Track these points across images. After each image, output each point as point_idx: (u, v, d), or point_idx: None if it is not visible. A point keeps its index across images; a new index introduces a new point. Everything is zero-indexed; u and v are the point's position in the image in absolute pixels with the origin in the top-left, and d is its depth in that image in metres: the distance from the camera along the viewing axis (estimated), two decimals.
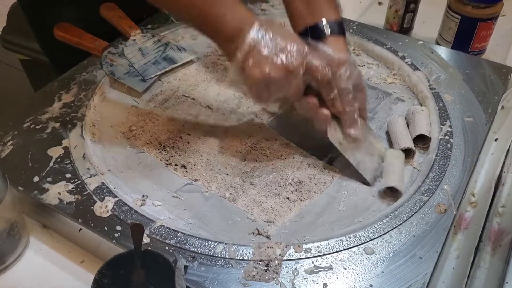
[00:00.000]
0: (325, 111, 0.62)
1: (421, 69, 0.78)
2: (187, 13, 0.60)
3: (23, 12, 0.90)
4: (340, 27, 0.67)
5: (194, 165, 0.66)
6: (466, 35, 0.87)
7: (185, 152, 0.67)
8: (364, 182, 0.63)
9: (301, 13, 0.68)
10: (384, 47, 0.83)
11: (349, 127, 0.63)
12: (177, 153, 0.67)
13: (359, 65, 0.82)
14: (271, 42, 0.57)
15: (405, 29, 0.95)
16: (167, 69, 0.79)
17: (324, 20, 0.66)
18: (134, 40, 0.82)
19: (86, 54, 0.81)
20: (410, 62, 0.80)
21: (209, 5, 0.57)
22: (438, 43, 0.92)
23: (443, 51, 0.82)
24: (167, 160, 0.66)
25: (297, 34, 0.64)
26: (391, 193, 0.61)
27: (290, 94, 0.60)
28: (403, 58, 0.81)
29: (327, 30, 0.66)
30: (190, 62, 0.82)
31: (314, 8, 0.67)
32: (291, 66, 0.57)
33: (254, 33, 0.57)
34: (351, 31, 0.87)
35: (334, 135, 0.63)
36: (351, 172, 0.64)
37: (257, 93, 0.60)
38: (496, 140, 0.72)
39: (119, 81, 0.76)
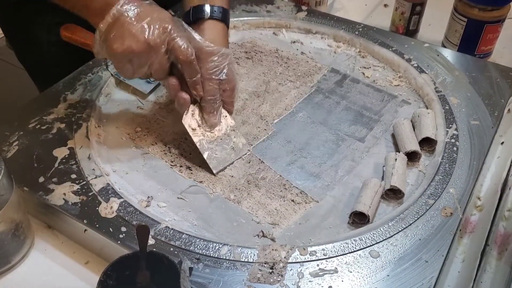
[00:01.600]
0: (184, 95, 0.63)
1: (427, 72, 0.78)
2: None
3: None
4: (223, 14, 0.70)
5: (199, 166, 0.65)
6: (472, 37, 0.86)
7: (190, 154, 0.67)
8: (209, 170, 0.64)
9: None
10: (390, 49, 0.83)
11: (207, 114, 0.65)
12: (182, 154, 0.67)
13: (364, 67, 0.82)
14: (135, 17, 0.58)
15: (411, 32, 0.95)
16: None
17: (206, 4, 0.69)
18: None
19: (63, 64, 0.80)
20: (416, 65, 0.80)
21: None
22: (444, 46, 0.91)
23: (449, 54, 0.82)
24: (172, 162, 0.66)
25: (183, 16, 0.69)
26: (394, 195, 0.61)
27: (153, 71, 0.61)
28: (409, 60, 0.81)
29: (207, 11, 0.68)
30: None
31: None
32: (152, 42, 0.58)
33: (119, 6, 0.58)
34: (357, 33, 0.87)
35: (188, 119, 0.64)
36: (201, 159, 0.65)
37: (120, 66, 0.61)
38: (502, 143, 0.72)
39: (124, 82, 0.76)
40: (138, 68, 0.60)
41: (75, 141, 0.66)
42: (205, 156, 0.64)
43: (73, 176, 0.61)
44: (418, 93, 0.77)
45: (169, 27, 0.59)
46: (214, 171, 0.64)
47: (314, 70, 0.82)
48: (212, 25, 0.69)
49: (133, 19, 0.58)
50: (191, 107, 0.65)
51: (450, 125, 0.69)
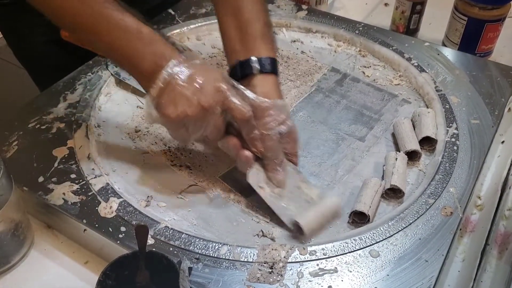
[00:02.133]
0: (246, 153, 0.60)
1: (427, 71, 0.78)
2: (103, 50, 0.59)
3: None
4: (272, 65, 0.64)
5: (199, 166, 0.65)
6: (473, 36, 0.86)
7: (190, 153, 0.67)
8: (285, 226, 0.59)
9: (235, 49, 0.65)
10: (390, 48, 0.83)
11: (271, 171, 0.60)
12: (182, 154, 0.67)
13: (364, 66, 0.82)
14: (187, 79, 0.55)
15: (411, 31, 0.94)
16: None
17: (253, 57, 0.63)
18: None
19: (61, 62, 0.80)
20: (416, 64, 0.79)
21: (125, 40, 0.56)
22: (444, 45, 0.91)
23: (450, 53, 0.82)
24: (172, 161, 0.66)
25: (229, 71, 0.64)
26: (395, 195, 0.61)
27: (209, 133, 0.58)
28: (409, 59, 0.80)
29: (257, 67, 0.63)
30: None
31: (247, 44, 0.64)
32: (206, 104, 0.55)
33: (170, 69, 0.55)
34: (357, 32, 0.86)
35: (254, 177, 0.60)
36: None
37: (175, 132, 0.59)
38: (502, 142, 0.72)
39: (124, 81, 0.76)
40: (194, 132, 0.58)
41: (74, 141, 0.66)
42: (279, 215, 0.58)
43: (73, 176, 0.61)
44: (418, 92, 0.77)
45: (222, 86, 0.56)
46: (291, 227, 0.58)
47: (314, 69, 0.82)
48: (263, 79, 0.63)
49: (185, 81, 0.55)
50: (255, 164, 0.61)
51: (451, 124, 0.69)
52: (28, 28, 0.86)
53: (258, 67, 0.63)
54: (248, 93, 0.59)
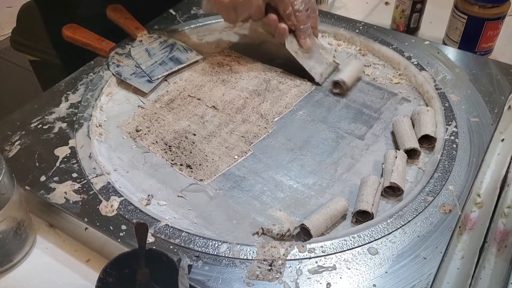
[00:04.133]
0: (283, 25, 0.76)
1: (427, 69, 0.78)
2: None
3: (39, 10, 0.92)
4: None
5: (199, 165, 0.66)
6: (473, 35, 0.86)
7: (191, 152, 0.68)
8: (314, 82, 0.79)
9: None
10: (390, 47, 0.83)
11: (303, 39, 0.78)
12: (182, 153, 0.68)
13: (365, 65, 0.82)
14: None
15: (411, 29, 0.95)
16: (173, 70, 0.80)
17: None
18: (141, 41, 0.82)
19: (95, 54, 0.81)
20: (416, 62, 0.80)
21: None
22: (444, 43, 0.91)
23: (450, 51, 0.82)
24: (172, 160, 0.66)
25: None
26: (394, 192, 0.61)
27: (253, 13, 0.75)
28: (409, 58, 0.81)
29: None
30: (196, 62, 0.83)
31: None
32: None
33: None
34: (357, 31, 0.87)
35: (290, 45, 0.78)
36: (304, 75, 0.79)
37: (227, 15, 0.76)
38: (502, 140, 0.72)
39: (125, 81, 0.77)
40: (241, 13, 0.75)
41: (76, 140, 0.66)
42: (311, 73, 0.79)
43: (74, 175, 0.62)
44: (418, 90, 0.77)
45: None
46: (320, 83, 0.79)
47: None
48: None
49: None
50: (289, 36, 0.78)
51: (450, 123, 0.69)
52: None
53: None
54: None
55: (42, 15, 0.96)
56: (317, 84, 0.79)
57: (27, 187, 0.60)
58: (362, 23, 0.88)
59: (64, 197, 0.59)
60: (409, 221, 0.57)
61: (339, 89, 0.77)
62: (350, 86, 0.77)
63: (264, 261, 0.53)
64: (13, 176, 0.54)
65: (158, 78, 0.78)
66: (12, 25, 1.53)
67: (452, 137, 0.67)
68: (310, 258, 0.53)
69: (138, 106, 0.75)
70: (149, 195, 0.62)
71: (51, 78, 1.03)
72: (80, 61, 0.79)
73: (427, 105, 0.74)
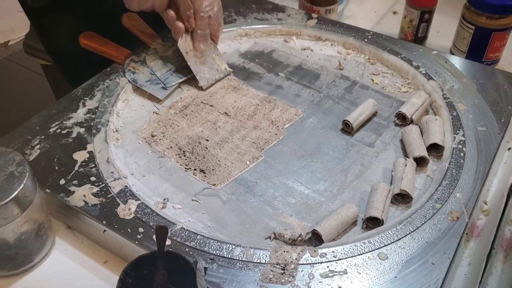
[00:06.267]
0: (180, 24, 0.77)
1: (435, 79, 0.80)
2: None
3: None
4: None
5: (212, 169, 0.68)
6: (480, 45, 0.88)
7: (204, 157, 0.69)
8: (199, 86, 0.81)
9: None
10: (399, 56, 0.85)
11: (197, 42, 0.79)
12: (196, 158, 0.69)
13: (373, 74, 0.84)
14: None
15: (419, 39, 0.96)
16: (187, 78, 0.82)
17: None
18: (155, 49, 0.84)
19: (92, 60, 0.83)
20: (424, 72, 0.81)
21: None
22: (452, 53, 0.93)
23: (457, 61, 0.84)
24: (186, 165, 0.68)
25: None
26: (403, 199, 0.63)
27: (156, 4, 0.75)
28: (417, 67, 0.82)
29: None
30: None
31: None
32: None
33: None
34: (366, 40, 0.88)
35: (184, 44, 0.79)
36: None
37: (130, 1, 0.75)
38: (509, 149, 0.73)
39: (141, 88, 0.79)
40: (144, 1, 0.74)
41: (94, 145, 0.68)
42: (197, 76, 0.80)
43: (93, 178, 0.64)
44: None
45: None
46: (204, 87, 0.80)
47: (323, 77, 0.84)
48: None
49: None
50: (185, 35, 0.78)
51: (458, 131, 0.70)
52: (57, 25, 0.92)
53: None
54: None
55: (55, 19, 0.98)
56: (201, 88, 0.81)
57: (47, 190, 0.62)
58: (371, 33, 0.90)
59: (83, 200, 0.61)
60: (418, 228, 0.58)
61: (347, 128, 0.73)
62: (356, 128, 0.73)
63: (277, 265, 0.54)
64: (35, 179, 0.56)
65: (172, 85, 0.80)
66: (23, 30, 1.55)
67: (460, 146, 0.68)
68: (321, 262, 0.55)
69: (153, 112, 0.77)
70: (164, 199, 0.63)
71: (62, 82, 1.06)
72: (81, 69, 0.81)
73: (435, 114, 0.76)
